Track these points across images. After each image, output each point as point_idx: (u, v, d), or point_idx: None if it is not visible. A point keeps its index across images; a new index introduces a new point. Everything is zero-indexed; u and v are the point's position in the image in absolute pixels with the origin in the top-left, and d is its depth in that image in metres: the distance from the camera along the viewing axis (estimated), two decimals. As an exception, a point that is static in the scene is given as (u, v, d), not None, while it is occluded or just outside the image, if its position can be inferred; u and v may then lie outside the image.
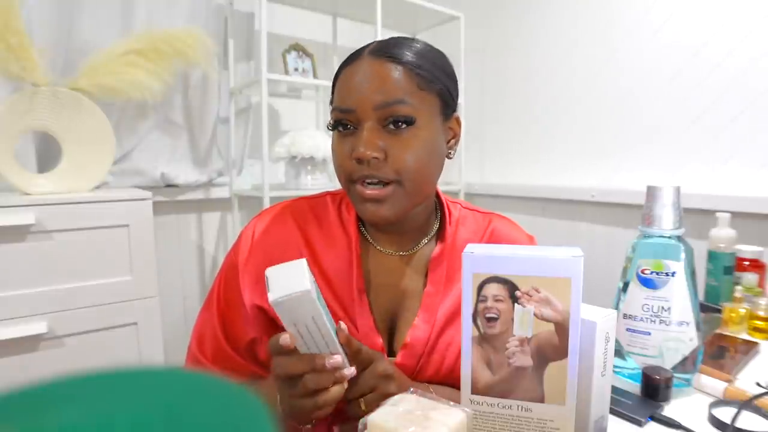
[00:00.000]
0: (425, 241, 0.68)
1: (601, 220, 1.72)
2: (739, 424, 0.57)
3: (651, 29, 1.53)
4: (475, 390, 0.49)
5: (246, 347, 0.63)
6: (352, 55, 0.61)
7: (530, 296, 0.46)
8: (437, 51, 0.63)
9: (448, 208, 0.71)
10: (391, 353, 0.64)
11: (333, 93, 0.62)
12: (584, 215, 1.77)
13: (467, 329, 0.49)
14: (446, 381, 0.64)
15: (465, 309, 0.48)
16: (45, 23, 1.39)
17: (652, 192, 0.68)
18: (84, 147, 1.27)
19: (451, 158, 0.66)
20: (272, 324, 0.63)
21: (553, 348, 0.46)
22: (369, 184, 0.57)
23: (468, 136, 2.20)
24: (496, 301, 0.47)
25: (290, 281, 0.46)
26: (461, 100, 2.08)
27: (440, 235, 0.68)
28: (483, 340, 0.48)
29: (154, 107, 1.59)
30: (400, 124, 0.57)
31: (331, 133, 0.63)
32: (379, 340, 0.63)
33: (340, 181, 0.62)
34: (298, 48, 1.88)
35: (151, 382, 0.18)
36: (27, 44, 1.15)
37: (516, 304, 0.47)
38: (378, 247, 0.67)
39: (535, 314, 0.46)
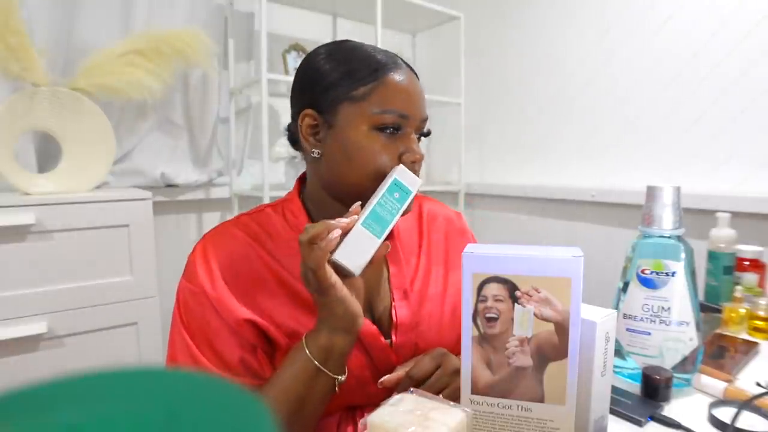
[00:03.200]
0: None
1: (600, 220, 1.72)
2: (739, 424, 0.57)
3: (651, 30, 1.53)
4: (475, 390, 0.49)
5: (239, 363, 0.60)
6: (387, 60, 0.63)
7: (530, 296, 0.46)
8: None
9: None
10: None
11: (368, 90, 0.60)
12: (584, 215, 1.77)
13: (467, 329, 0.49)
14: (442, 343, 0.68)
15: (465, 309, 0.48)
16: (45, 23, 1.39)
17: (652, 192, 0.68)
18: (84, 147, 1.28)
19: None
20: (261, 335, 0.61)
21: (553, 348, 0.46)
22: None
23: (468, 136, 2.20)
24: (496, 301, 0.47)
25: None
26: (461, 99, 2.08)
27: None
28: (483, 340, 0.48)
29: (154, 107, 1.59)
30: (424, 136, 0.66)
31: None
32: (373, 326, 0.65)
33: (366, 179, 0.60)
34: (298, 48, 1.88)
35: (151, 382, 0.18)
36: (27, 44, 1.15)
37: (516, 304, 0.47)
38: None
39: (535, 314, 0.46)
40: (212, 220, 1.86)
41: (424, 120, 0.65)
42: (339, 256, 0.53)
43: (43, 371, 1.12)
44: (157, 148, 1.66)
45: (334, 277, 0.52)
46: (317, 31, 2.03)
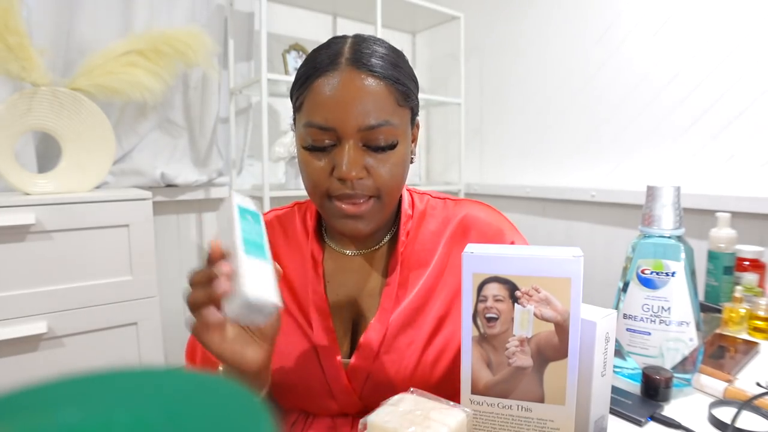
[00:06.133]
0: (386, 239, 0.67)
1: (601, 220, 1.72)
2: (739, 424, 0.57)
3: (651, 29, 1.53)
4: (475, 390, 0.49)
5: None
6: (325, 62, 0.56)
7: (530, 296, 0.46)
8: (400, 53, 0.61)
9: (412, 202, 0.69)
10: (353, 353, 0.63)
11: (300, 100, 0.58)
12: (584, 215, 1.77)
13: (467, 329, 0.49)
14: (409, 383, 0.60)
15: (465, 309, 0.48)
16: (45, 23, 1.39)
17: (652, 192, 0.68)
18: (84, 147, 1.28)
19: (413, 162, 0.65)
20: None
21: (553, 348, 0.46)
22: (347, 198, 0.57)
23: (468, 136, 2.20)
24: (496, 301, 0.47)
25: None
26: (461, 99, 2.08)
27: (397, 233, 0.67)
28: (483, 340, 0.48)
29: (154, 107, 1.59)
30: (383, 148, 0.56)
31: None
32: (335, 342, 0.62)
33: (313, 196, 0.60)
34: (298, 48, 1.88)
35: (151, 382, 0.18)
36: (27, 44, 1.15)
37: (516, 304, 0.47)
38: (339, 249, 0.68)
39: (535, 314, 0.46)
40: (212, 220, 1.86)
41: (366, 129, 0.54)
42: (251, 294, 0.42)
43: (43, 371, 1.12)
44: (157, 148, 1.66)
45: (207, 339, 0.46)
46: (317, 31, 2.03)
